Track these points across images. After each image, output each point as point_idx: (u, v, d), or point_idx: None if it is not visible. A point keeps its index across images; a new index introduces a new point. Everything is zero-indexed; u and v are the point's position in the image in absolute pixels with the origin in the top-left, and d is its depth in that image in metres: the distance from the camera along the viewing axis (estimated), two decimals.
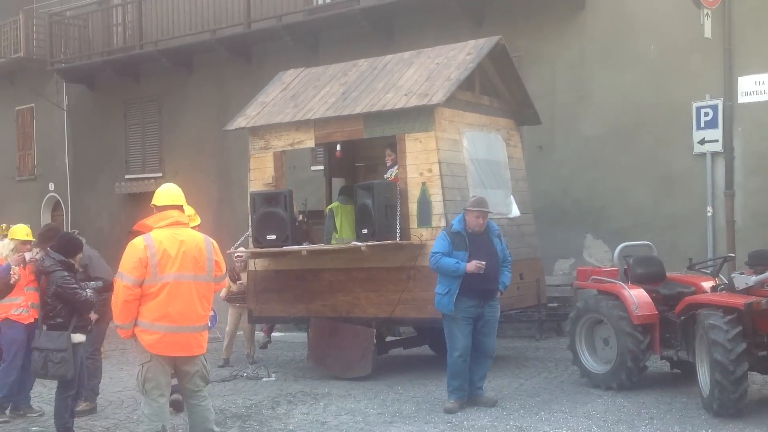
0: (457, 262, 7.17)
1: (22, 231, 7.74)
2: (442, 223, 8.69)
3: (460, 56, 9.53)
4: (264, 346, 10.57)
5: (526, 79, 10.77)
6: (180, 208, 5.72)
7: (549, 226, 11.47)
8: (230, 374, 9.36)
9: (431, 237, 8.73)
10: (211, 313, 5.97)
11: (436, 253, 7.34)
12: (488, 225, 7.43)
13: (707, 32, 10.46)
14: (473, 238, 7.29)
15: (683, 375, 7.98)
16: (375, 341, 9.03)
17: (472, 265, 7.09)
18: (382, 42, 13.33)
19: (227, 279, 9.28)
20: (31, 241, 7.68)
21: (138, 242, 5.47)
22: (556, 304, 11.47)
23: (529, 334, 11.30)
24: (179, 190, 5.81)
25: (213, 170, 15.81)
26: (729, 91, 10.71)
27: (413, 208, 8.91)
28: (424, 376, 8.83)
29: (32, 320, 7.49)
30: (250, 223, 9.62)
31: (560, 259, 11.96)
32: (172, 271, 5.41)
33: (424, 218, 8.86)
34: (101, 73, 17.70)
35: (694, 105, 10.93)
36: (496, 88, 10.34)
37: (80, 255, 6.83)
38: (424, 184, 8.88)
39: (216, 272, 5.68)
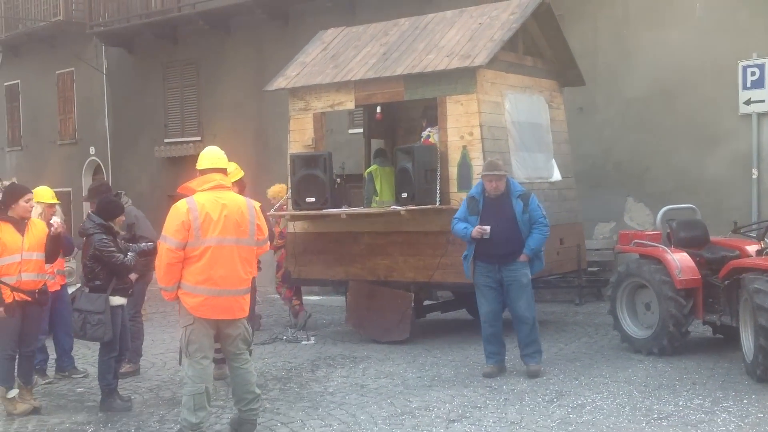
0: (466, 227, 7.14)
1: (47, 193, 7.56)
2: None
3: (503, 16, 9.34)
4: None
5: (567, 38, 10.54)
6: (223, 171, 5.74)
7: (589, 189, 11.33)
8: (270, 337, 9.46)
9: None
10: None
11: (454, 218, 7.37)
12: (509, 187, 7.24)
13: None
14: (489, 202, 7.18)
15: (726, 340, 7.88)
16: (413, 305, 9.06)
17: (475, 231, 7.04)
18: (422, 1, 13.14)
19: None
20: (56, 203, 7.70)
21: (181, 205, 5.51)
22: (596, 269, 11.37)
23: (569, 299, 11.22)
24: (222, 153, 5.81)
25: (251, 133, 15.86)
26: None
27: (453, 171, 8.84)
28: (462, 341, 8.84)
29: (58, 287, 7.69)
30: (289, 186, 9.64)
31: (600, 223, 11.83)
32: (215, 234, 5.45)
33: (464, 182, 8.78)
34: (140, 37, 17.77)
35: (741, 64, 10.65)
36: (540, 48, 10.14)
37: (121, 218, 6.90)
38: (464, 147, 8.78)
39: (258, 236, 5.71)
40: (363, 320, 9.28)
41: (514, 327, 7.33)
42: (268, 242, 6.11)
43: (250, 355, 5.84)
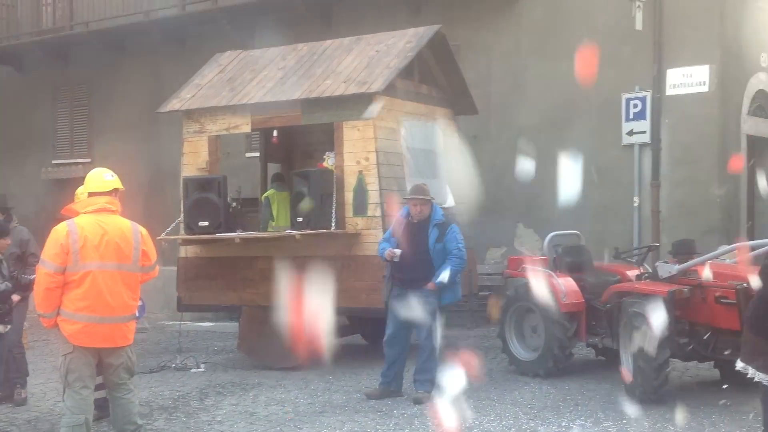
0: (384, 248, 7.24)
1: None
2: (378, 213, 8.72)
3: (400, 44, 9.54)
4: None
5: (462, 68, 10.82)
6: (111, 193, 5.57)
7: (482, 215, 11.54)
8: (158, 365, 9.20)
9: (366, 226, 8.77)
10: (140, 302, 5.82)
11: (383, 237, 7.53)
12: (433, 213, 7.28)
13: (638, 24, 10.66)
14: (410, 226, 7.26)
15: (608, 362, 8.14)
16: None
17: (387, 252, 7.13)
18: (320, 28, 13.23)
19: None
20: None
21: (61, 228, 5.33)
22: (487, 293, 11.58)
23: (461, 323, 11.39)
24: (110, 175, 5.64)
25: (144, 156, 15.45)
26: (658, 83, 10.93)
27: (349, 196, 8.90)
28: (356, 366, 8.82)
29: None
30: (182, 209, 9.48)
31: (492, 248, 12.10)
32: (95, 259, 5.28)
33: (360, 207, 8.85)
34: (30, 55, 17.11)
35: (624, 96, 11.14)
36: (435, 77, 10.37)
37: (5, 241, 6.60)
38: (360, 172, 8.87)
39: (143, 261, 5.56)
40: (256, 346, 9.16)
41: (417, 353, 7.36)
42: (156, 268, 5.96)
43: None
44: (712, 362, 7.47)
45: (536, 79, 11.99)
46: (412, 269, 7.14)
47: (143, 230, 5.67)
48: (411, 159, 9.45)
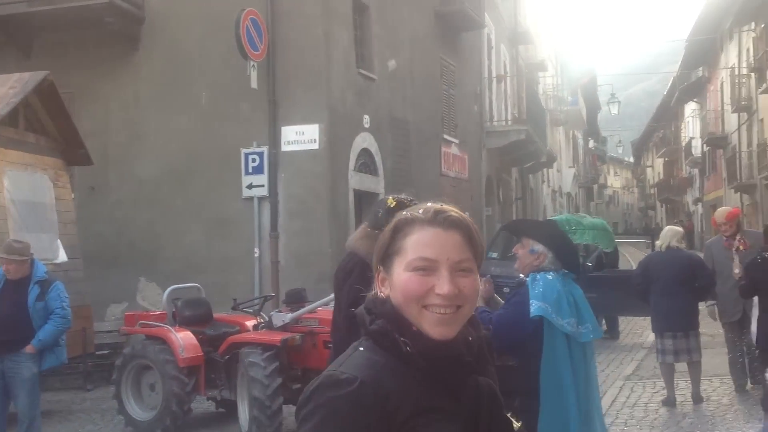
0: None
1: None
2: None
3: (2, 90, 8.99)
4: None
5: (78, 116, 10.39)
6: None
7: (102, 269, 11.10)
8: None
9: None
10: None
11: None
12: (34, 270, 6.73)
13: (253, 83, 11.15)
14: (9, 285, 6.65)
15: (227, 414, 8.21)
16: None
17: None
18: None
19: None
20: None
21: None
22: (107, 351, 11.05)
23: (78, 385, 10.70)
24: None
25: None
26: (273, 139, 11.51)
27: None
28: None
29: None
30: None
31: (113, 304, 11.63)
32: None
33: None
34: None
35: (243, 151, 11.54)
36: (44, 126, 9.81)
37: None
38: None
39: None
40: None
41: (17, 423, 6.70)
42: None
43: None
44: None
45: (157, 131, 11.92)
46: (8, 331, 6.52)
47: None
48: (16, 212, 8.80)
